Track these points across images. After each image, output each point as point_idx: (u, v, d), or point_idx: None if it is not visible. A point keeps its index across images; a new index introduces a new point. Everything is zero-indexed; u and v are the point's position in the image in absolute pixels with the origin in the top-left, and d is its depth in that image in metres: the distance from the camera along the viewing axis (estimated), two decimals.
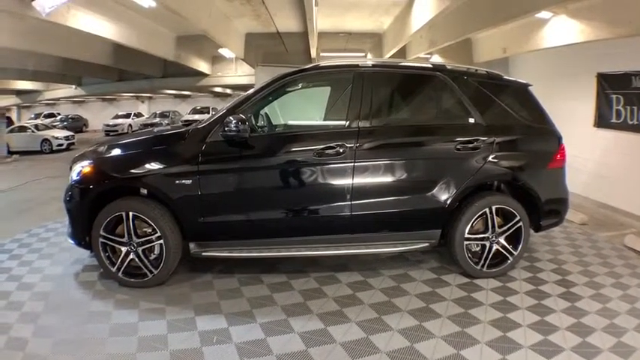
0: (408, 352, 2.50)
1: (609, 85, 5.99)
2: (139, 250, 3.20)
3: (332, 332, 2.69)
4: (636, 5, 4.71)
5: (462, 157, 3.34)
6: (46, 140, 16.27)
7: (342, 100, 3.54)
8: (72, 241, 3.41)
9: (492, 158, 3.36)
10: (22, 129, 16.90)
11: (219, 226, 3.25)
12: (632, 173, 5.61)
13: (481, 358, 2.44)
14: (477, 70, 3.64)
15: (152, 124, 22.50)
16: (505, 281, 3.40)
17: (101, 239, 3.20)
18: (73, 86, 19.91)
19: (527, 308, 2.98)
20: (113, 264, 3.24)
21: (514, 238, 3.43)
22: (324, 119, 4.04)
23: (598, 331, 2.70)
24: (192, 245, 3.29)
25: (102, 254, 3.23)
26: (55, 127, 20.00)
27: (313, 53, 12.51)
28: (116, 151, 3.43)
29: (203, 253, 3.28)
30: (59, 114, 28.61)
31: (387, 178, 3.30)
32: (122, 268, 3.23)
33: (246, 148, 3.21)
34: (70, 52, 10.58)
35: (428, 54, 10.95)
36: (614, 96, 5.91)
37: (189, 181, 3.14)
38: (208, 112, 22.20)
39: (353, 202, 3.25)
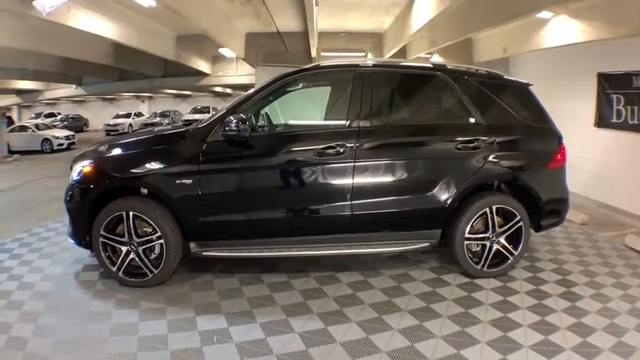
0: (409, 351, 2.50)
1: (610, 84, 5.98)
2: (140, 249, 3.20)
3: (332, 332, 2.69)
4: (636, 5, 4.70)
5: (463, 157, 3.34)
6: (46, 140, 16.31)
7: (342, 99, 3.54)
8: (72, 241, 3.41)
9: (493, 158, 3.36)
10: (23, 128, 16.94)
11: (220, 225, 3.25)
12: (632, 173, 5.61)
13: (481, 358, 2.44)
14: (477, 69, 3.64)
15: (152, 124, 22.52)
16: (505, 281, 3.40)
17: (101, 239, 3.20)
18: (74, 86, 19.87)
19: (528, 308, 2.98)
20: (113, 263, 3.24)
21: (514, 238, 3.43)
22: (325, 119, 4.06)
23: (598, 331, 2.70)
24: (192, 245, 3.29)
25: (102, 254, 3.23)
26: (55, 126, 20.07)
27: (313, 53, 12.50)
28: (117, 151, 3.43)
29: (203, 253, 3.29)
30: (60, 113, 28.65)
31: (388, 178, 3.30)
32: (122, 268, 3.23)
33: (247, 148, 3.21)
34: (70, 52, 10.57)
35: (428, 54, 10.94)
36: (614, 96, 5.91)
37: (189, 181, 3.14)
38: (209, 112, 22.25)
39: (353, 202, 3.25)
